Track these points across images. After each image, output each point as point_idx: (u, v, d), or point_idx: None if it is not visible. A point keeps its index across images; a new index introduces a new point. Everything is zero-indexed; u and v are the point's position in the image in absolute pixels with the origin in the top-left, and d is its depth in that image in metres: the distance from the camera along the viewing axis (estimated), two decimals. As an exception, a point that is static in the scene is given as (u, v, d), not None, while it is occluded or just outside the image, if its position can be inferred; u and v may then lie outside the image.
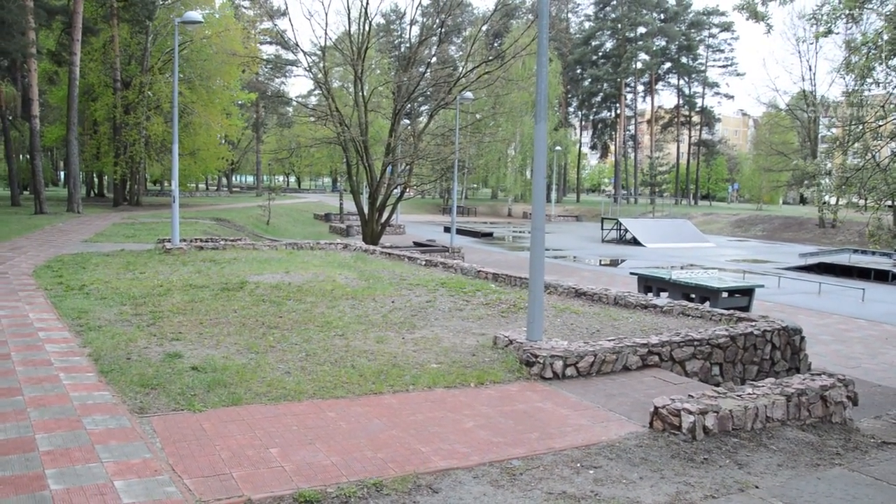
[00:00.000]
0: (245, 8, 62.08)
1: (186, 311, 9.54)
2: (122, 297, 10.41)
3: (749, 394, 6.28)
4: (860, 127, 13.21)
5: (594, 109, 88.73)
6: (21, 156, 46.76)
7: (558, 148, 65.78)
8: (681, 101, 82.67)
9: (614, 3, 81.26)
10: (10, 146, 35.34)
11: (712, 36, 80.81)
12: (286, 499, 4.13)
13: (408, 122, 42.86)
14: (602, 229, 45.99)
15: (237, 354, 7.35)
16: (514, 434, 5.54)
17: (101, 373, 6.54)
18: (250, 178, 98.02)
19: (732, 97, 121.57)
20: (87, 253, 16.02)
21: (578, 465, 5.00)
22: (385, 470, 4.66)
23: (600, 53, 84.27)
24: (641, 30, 80.00)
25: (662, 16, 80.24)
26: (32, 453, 4.58)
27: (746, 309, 14.75)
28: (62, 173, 67.46)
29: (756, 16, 11.38)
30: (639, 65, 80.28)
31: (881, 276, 26.68)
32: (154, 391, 5.99)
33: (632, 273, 19.29)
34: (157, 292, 10.85)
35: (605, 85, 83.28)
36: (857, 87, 13.14)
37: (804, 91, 51.99)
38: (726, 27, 79.19)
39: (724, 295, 15.29)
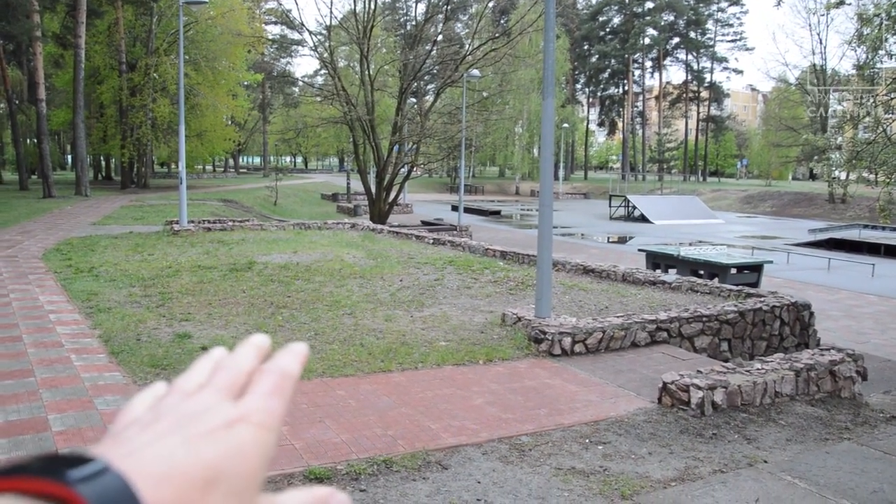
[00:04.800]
0: (249, -13, 61.59)
1: (195, 291, 9.59)
2: (131, 278, 10.47)
3: (758, 369, 6.28)
4: (871, 100, 13.07)
5: (602, 86, 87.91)
6: (28, 140, 46.70)
7: (566, 125, 65.25)
8: (689, 77, 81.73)
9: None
10: (16, 130, 35.31)
11: (721, 10, 79.65)
12: (297, 476, 4.16)
13: (414, 100, 42.53)
14: (610, 206, 45.73)
15: (246, 334, 7.32)
16: (523, 410, 5.56)
17: (111, 354, 6.59)
18: (257, 159, 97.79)
19: (741, 72, 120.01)
20: (96, 236, 16.09)
21: (587, 440, 5.02)
22: (394, 447, 4.69)
23: (608, 29, 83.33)
24: (649, 4, 78.90)
25: (670, -10, 79.16)
26: (45, 433, 4.63)
27: (755, 285, 14.68)
28: (69, 157, 67.54)
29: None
30: (647, 40, 79.34)
31: (891, 252, 26.47)
32: (164, 371, 6.04)
33: (640, 250, 19.20)
34: (166, 274, 10.90)
35: (612, 61, 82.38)
36: (868, 60, 12.98)
37: (814, 65, 51.38)
38: (735, 1, 78.09)
39: (733, 271, 15.21)
